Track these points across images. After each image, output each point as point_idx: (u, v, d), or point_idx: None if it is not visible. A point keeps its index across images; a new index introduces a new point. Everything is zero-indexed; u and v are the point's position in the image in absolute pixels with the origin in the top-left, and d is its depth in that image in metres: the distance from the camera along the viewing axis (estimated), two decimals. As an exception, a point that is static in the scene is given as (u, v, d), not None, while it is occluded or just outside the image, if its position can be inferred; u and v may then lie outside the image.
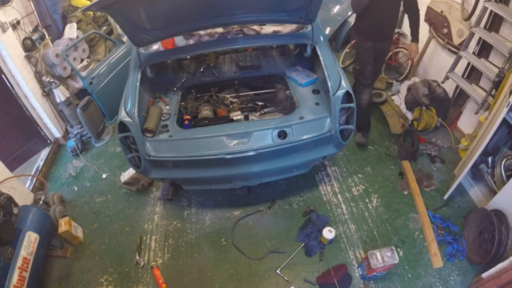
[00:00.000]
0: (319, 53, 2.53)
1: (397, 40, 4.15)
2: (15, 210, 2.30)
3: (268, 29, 2.79)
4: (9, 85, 3.24)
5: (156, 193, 3.12)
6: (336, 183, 3.07)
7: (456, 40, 3.13)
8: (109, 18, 4.72)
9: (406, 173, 3.05)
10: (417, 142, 3.21)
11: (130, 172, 3.06)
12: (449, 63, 3.20)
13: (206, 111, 2.72)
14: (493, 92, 2.69)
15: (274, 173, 2.59)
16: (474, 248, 2.42)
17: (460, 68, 3.16)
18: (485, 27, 2.81)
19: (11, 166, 3.22)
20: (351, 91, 2.37)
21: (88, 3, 3.99)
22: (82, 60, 3.94)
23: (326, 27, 4.89)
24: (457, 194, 2.85)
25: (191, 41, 2.79)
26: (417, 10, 2.91)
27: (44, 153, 3.71)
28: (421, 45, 3.71)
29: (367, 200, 2.91)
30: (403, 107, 3.75)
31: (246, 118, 2.69)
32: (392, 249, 2.17)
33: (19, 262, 2.13)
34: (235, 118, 2.71)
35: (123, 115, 2.34)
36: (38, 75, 3.45)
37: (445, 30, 3.22)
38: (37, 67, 3.42)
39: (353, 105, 2.38)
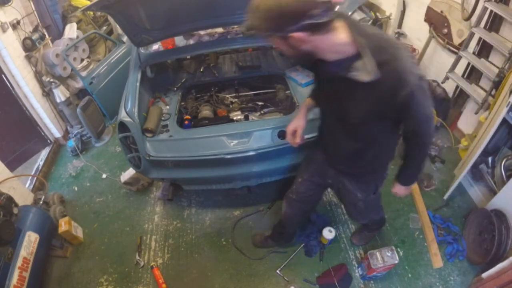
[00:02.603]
0: (319, 53, 2.52)
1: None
2: (15, 210, 2.30)
3: (268, 29, 2.79)
4: (9, 85, 3.23)
5: (156, 193, 3.12)
6: (336, 183, 3.06)
7: (456, 40, 3.12)
8: (109, 18, 4.71)
9: (406, 173, 3.04)
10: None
11: (130, 172, 3.06)
12: (449, 63, 3.19)
13: (206, 111, 2.72)
14: (493, 92, 2.69)
15: (274, 173, 2.59)
16: (474, 248, 2.42)
17: (460, 68, 3.15)
18: (485, 27, 2.81)
19: (11, 166, 3.21)
20: None
21: (88, 3, 3.99)
22: (82, 60, 3.93)
23: (326, 27, 4.87)
24: (457, 194, 2.84)
25: (191, 41, 2.79)
26: (426, 142, 1.53)
27: (44, 153, 3.70)
28: (421, 44, 3.68)
29: (367, 200, 2.90)
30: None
31: (246, 118, 2.68)
32: (392, 249, 2.17)
33: (19, 262, 2.13)
34: (235, 118, 2.70)
35: (123, 115, 2.33)
36: (38, 75, 3.45)
37: (445, 30, 3.21)
38: (37, 67, 3.42)
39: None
